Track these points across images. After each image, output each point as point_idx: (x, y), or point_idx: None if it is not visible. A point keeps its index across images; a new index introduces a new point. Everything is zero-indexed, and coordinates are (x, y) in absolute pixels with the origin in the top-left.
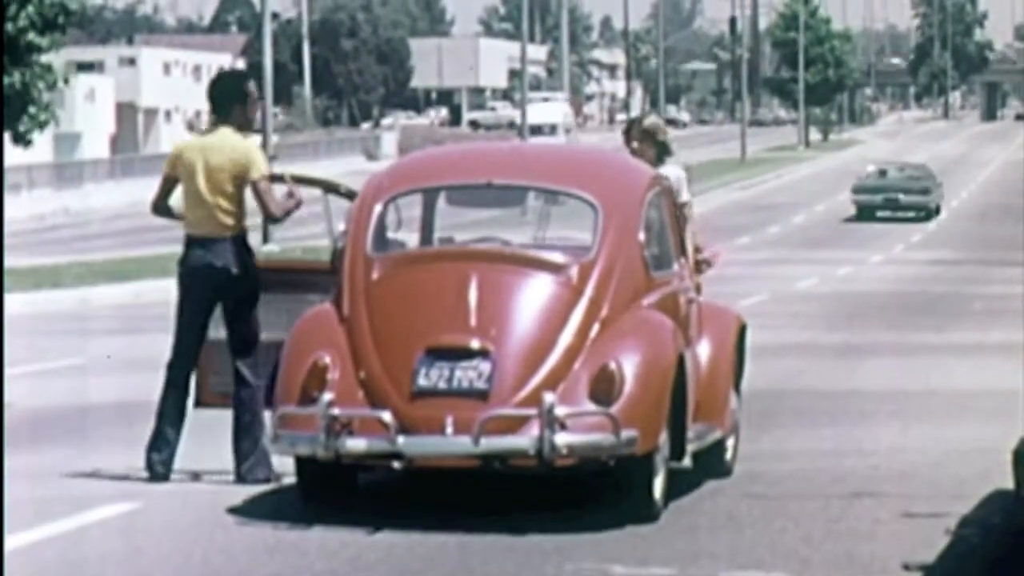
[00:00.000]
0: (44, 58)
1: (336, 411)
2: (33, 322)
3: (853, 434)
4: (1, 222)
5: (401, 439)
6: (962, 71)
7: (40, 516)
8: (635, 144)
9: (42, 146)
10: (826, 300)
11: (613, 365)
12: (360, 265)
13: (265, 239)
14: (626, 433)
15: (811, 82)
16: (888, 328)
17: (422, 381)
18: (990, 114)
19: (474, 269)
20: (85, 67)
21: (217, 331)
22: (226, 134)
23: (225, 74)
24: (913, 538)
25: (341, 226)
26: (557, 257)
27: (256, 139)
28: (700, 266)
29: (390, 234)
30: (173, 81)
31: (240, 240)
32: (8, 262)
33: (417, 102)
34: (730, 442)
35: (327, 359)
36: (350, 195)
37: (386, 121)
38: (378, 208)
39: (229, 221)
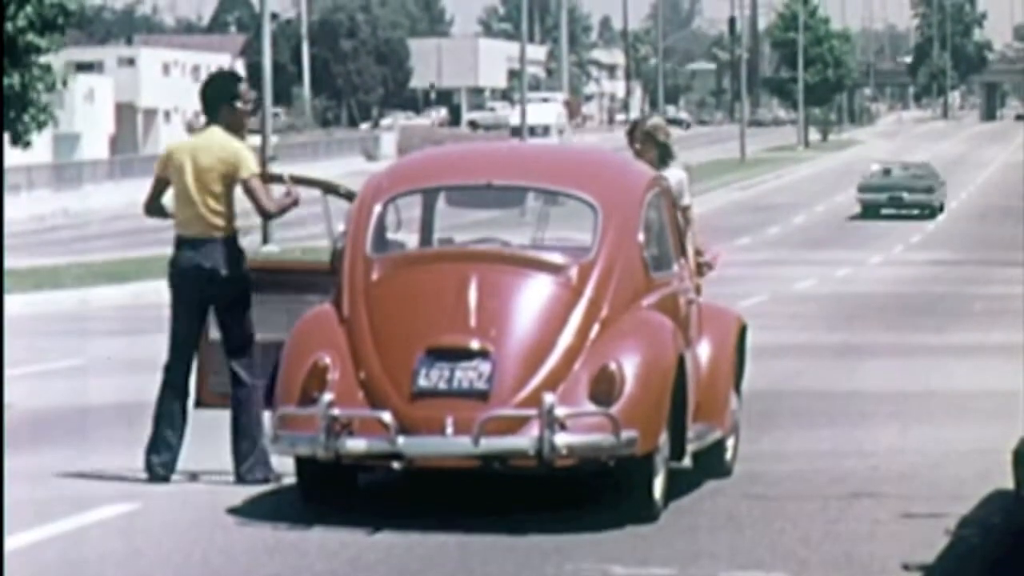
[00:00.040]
0: (43, 59)
1: (336, 411)
2: (33, 323)
3: (853, 435)
4: (1, 223)
5: (401, 439)
6: (961, 71)
7: (40, 516)
8: (638, 146)
9: (41, 147)
10: (826, 301)
11: (613, 366)
12: (360, 266)
13: (265, 240)
14: (626, 433)
15: (810, 82)
16: (888, 329)
17: (422, 381)
18: (989, 114)
19: (474, 270)
20: (84, 67)
21: (216, 331)
22: (215, 134)
23: (216, 75)
24: (912, 539)
25: (340, 227)
26: (557, 258)
27: (256, 140)
28: (702, 269)
29: (390, 235)
30: (172, 81)
31: (230, 241)
32: (8, 263)
33: (416, 102)
34: (730, 442)
35: (327, 360)
36: (349, 196)
37: (385, 121)
38: (378, 209)
39: (218, 222)
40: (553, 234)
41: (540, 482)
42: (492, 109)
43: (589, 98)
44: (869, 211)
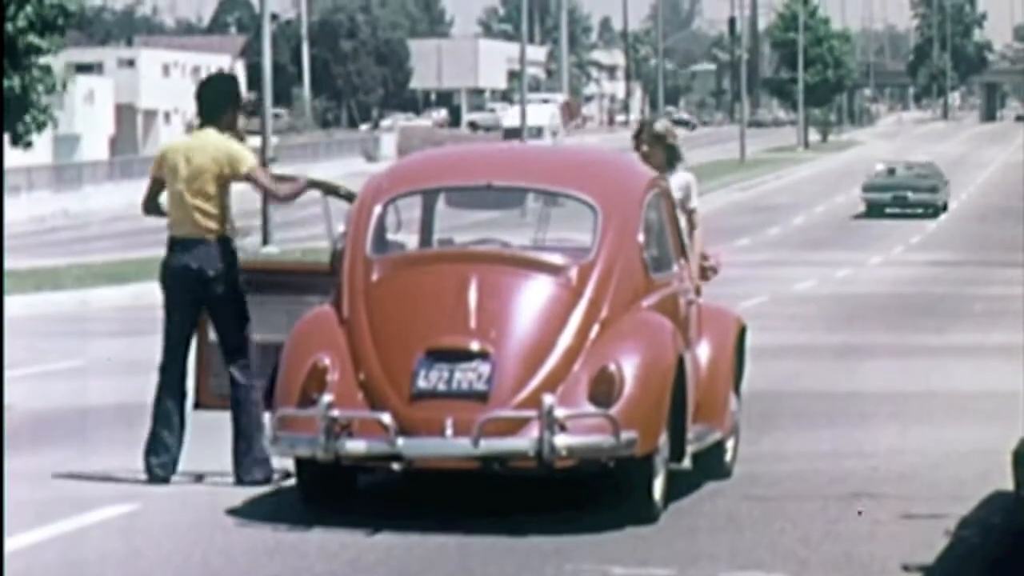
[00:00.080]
0: (43, 60)
1: (336, 413)
2: (33, 324)
3: (853, 436)
4: (1, 224)
5: (401, 441)
6: (961, 72)
7: (40, 517)
8: (645, 148)
9: (41, 148)
10: (826, 302)
11: (613, 367)
12: (360, 267)
13: (265, 241)
14: (626, 434)
15: (810, 83)
16: (888, 330)
17: (422, 383)
18: (989, 115)
19: (474, 271)
20: (84, 69)
21: (216, 333)
22: (210, 135)
23: (215, 77)
24: (912, 539)
25: (340, 228)
26: (556, 259)
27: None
28: (706, 273)
29: (390, 236)
30: (172, 82)
31: (222, 242)
32: (8, 264)
33: (416, 103)
34: (730, 443)
35: (327, 361)
36: (349, 197)
37: (385, 122)
38: (377, 210)
39: (210, 223)
40: (553, 235)
41: (540, 483)
42: (492, 110)
43: (589, 99)
44: (874, 210)
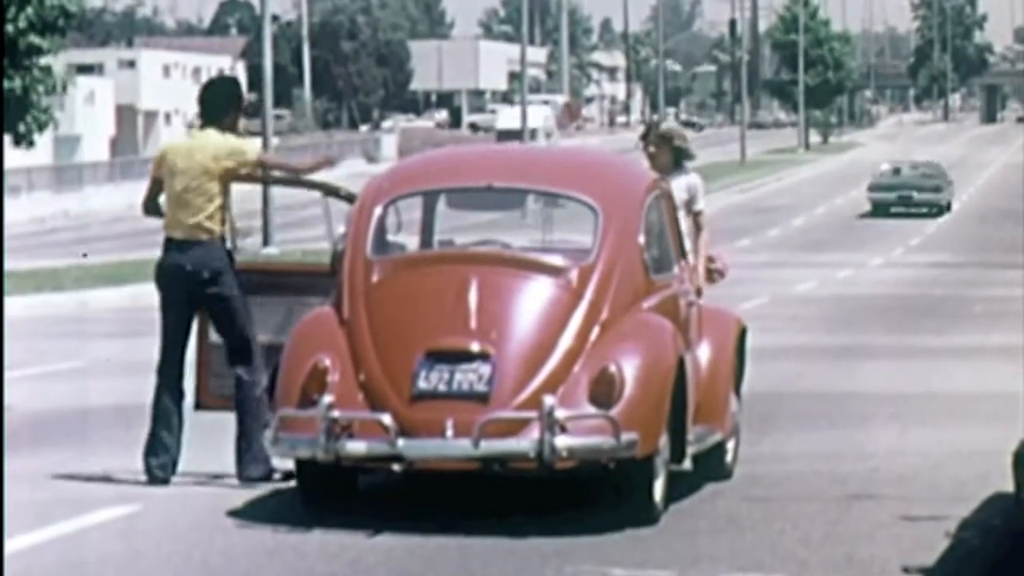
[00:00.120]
0: (44, 61)
1: (336, 414)
2: (33, 325)
3: (853, 437)
4: (1, 225)
5: (401, 442)
6: (962, 73)
7: (40, 519)
8: (652, 149)
9: (42, 149)
10: (826, 303)
11: (613, 368)
12: (360, 268)
13: (266, 242)
14: (626, 436)
15: (811, 84)
16: (888, 331)
17: (422, 384)
18: (990, 116)
19: (474, 272)
20: (85, 69)
21: (216, 334)
22: (210, 135)
23: (218, 79)
24: (913, 540)
25: (341, 229)
26: (557, 260)
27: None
28: (712, 276)
29: (390, 237)
30: (173, 83)
31: (217, 243)
32: (8, 265)
33: (417, 104)
34: (730, 445)
35: (327, 362)
36: (350, 198)
37: (386, 123)
38: (378, 211)
39: (207, 224)
40: (553, 236)
41: (540, 484)
42: (493, 111)
43: (589, 100)
44: (879, 210)
